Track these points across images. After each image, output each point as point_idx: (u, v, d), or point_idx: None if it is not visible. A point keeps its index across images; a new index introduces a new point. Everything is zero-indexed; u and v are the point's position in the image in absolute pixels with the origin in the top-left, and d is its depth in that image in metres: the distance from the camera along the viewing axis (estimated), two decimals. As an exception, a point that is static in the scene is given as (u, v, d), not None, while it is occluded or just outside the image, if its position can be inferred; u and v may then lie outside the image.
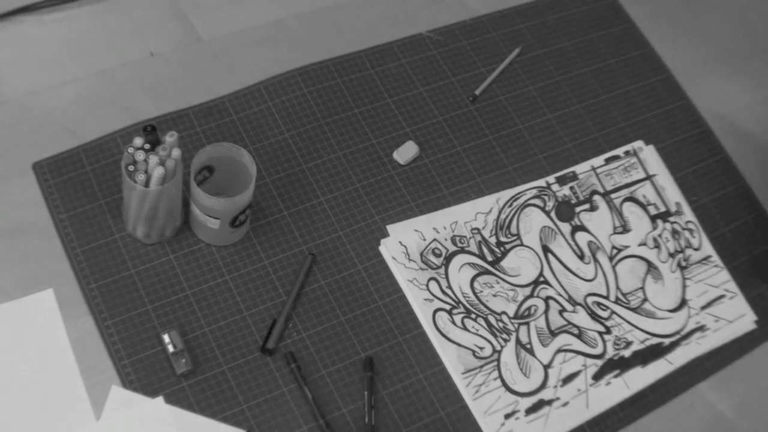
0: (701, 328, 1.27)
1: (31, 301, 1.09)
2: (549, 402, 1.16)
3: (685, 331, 1.26)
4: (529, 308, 1.22)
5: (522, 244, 1.26)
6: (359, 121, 1.30)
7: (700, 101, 1.49)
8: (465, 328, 1.18)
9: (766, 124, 1.51)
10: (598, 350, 1.22)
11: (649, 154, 1.39)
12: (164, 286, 1.13)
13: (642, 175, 1.36)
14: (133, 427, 1.04)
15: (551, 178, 1.32)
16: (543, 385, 1.17)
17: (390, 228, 1.23)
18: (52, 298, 1.10)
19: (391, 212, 1.25)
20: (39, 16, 1.30)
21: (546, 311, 1.23)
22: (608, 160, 1.36)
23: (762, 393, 1.26)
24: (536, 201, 1.30)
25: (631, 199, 1.34)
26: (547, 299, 1.23)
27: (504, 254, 1.25)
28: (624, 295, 1.26)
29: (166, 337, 1.08)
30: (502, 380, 1.16)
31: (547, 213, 1.29)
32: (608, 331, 1.24)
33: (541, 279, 1.25)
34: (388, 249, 1.21)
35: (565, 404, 1.17)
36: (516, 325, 1.20)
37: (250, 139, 1.25)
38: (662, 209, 1.34)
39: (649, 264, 1.30)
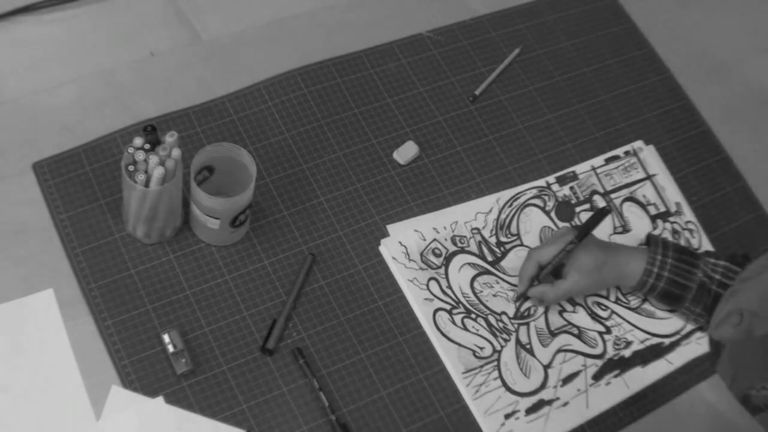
0: (701, 328, 1.27)
1: (31, 301, 1.09)
2: (549, 402, 1.16)
3: (685, 331, 1.26)
4: (528, 308, 1.22)
5: (522, 244, 1.26)
6: (359, 121, 1.30)
7: (700, 101, 1.49)
8: (465, 328, 1.18)
9: (766, 123, 1.51)
10: (598, 350, 1.22)
11: (649, 154, 1.39)
12: (164, 286, 1.13)
13: (642, 175, 1.36)
14: (133, 427, 1.04)
15: (551, 178, 1.32)
16: (543, 385, 1.17)
17: (390, 228, 1.23)
18: (52, 298, 1.10)
19: (391, 212, 1.25)
20: (39, 16, 1.30)
21: (546, 311, 1.23)
22: (608, 160, 1.36)
23: (762, 393, 1.26)
24: (536, 201, 1.30)
25: (631, 199, 1.34)
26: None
27: (504, 254, 1.25)
28: (624, 295, 1.26)
29: (166, 337, 1.08)
30: (502, 380, 1.16)
31: (548, 213, 1.29)
32: (608, 331, 1.24)
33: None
34: (388, 249, 1.21)
35: (565, 404, 1.17)
36: (516, 325, 1.20)
37: (250, 139, 1.25)
38: (662, 209, 1.34)
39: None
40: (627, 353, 1.22)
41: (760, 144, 1.48)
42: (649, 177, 1.37)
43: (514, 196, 1.29)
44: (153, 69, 1.29)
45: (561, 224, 1.29)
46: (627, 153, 1.38)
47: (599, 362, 1.21)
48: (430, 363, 1.16)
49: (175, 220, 1.15)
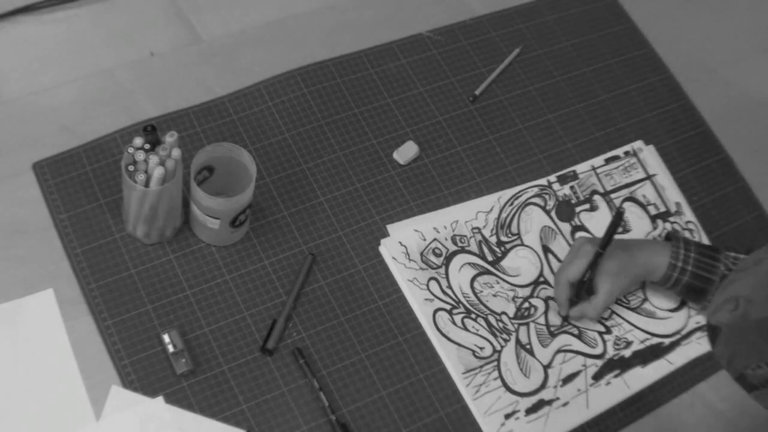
0: (701, 328, 1.27)
1: (31, 301, 1.09)
2: (549, 402, 1.16)
3: (686, 331, 1.26)
4: (528, 308, 1.22)
5: (522, 244, 1.26)
6: (359, 121, 1.30)
7: (700, 101, 1.49)
8: (465, 328, 1.18)
9: (766, 123, 1.51)
10: (598, 350, 1.22)
11: (649, 154, 1.39)
12: (164, 286, 1.13)
13: (642, 175, 1.36)
14: (133, 427, 1.03)
15: (552, 177, 1.32)
16: (543, 385, 1.17)
17: (390, 228, 1.23)
18: (52, 298, 1.10)
19: (391, 212, 1.25)
20: (39, 16, 1.30)
21: (546, 311, 1.23)
22: (608, 160, 1.36)
23: (762, 393, 1.26)
24: (537, 200, 1.30)
25: (631, 199, 1.34)
26: (547, 299, 1.23)
27: (504, 254, 1.25)
28: (624, 295, 1.26)
29: (166, 337, 1.08)
30: (502, 380, 1.16)
31: (548, 212, 1.29)
32: (608, 331, 1.24)
33: (541, 279, 1.25)
34: (388, 249, 1.21)
35: (565, 404, 1.17)
36: (516, 326, 1.20)
37: (250, 139, 1.25)
38: (662, 209, 1.34)
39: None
40: (627, 353, 1.22)
41: (760, 144, 1.48)
42: (649, 177, 1.37)
43: (515, 195, 1.29)
44: (153, 69, 1.29)
45: (561, 224, 1.29)
46: (627, 153, 1.38)
47: (599, 362, 1.21)
48: (430, 363, 1.16)
49: (175, 220, 1.15)
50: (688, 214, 1.35)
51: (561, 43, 1.47)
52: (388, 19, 1.42)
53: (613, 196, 1.33)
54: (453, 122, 1.34)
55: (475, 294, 1.21)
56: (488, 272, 1.23)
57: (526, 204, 1.29)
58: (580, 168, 1.35)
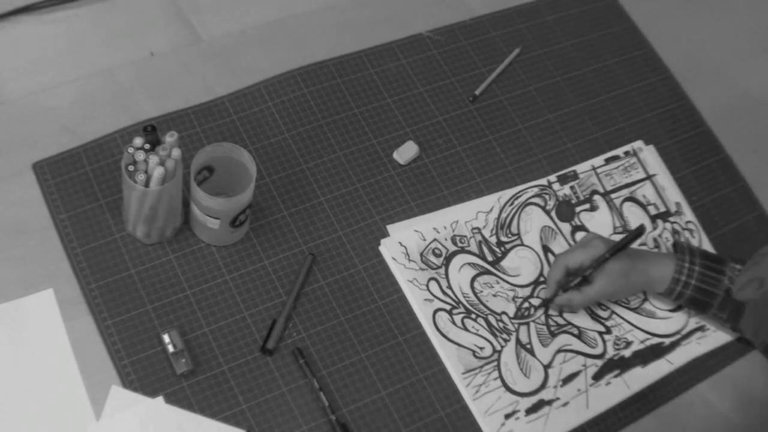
0: (701, 328, 1.27)
1: (31, 301, 1.09)
2: (549, 402, 1.16)
3: (686, 331, 1.26)
4: (529, 308, 1.22)
5: (522, 244, 1.26)
6: (359, 121, 1.30)
7: (700, 101, 1.49)
8: (465, 328, 1.18)
9: (766, 123, 1.51)
10: (598, 350, 1.22)
11: (649, 154, 1.39)
12: (164, 286, 1.13)
13: (642, 175, 1.36)
14: (133, 427, 1.04)
15: (553, 177, 1.32)
16: (543, 385, 1.17)
17: (390, 228, 1.23)
18: (52, 298, 1.10)
19: (391, 212, 1.25)
20: (39, 16, 1.30)
21: (546, 311, 1.22)
22: (608, 160, 1.36)
23: (762, 393, 1.26)
24: (537, 200, 1.30)
25: (631, 199, 1.34)
26: (547, 299, 1.23)
27: (504, 254, 1.25)
28: (617, 299, 1.26)
29: (166, 337, 1.08)
30: (502, 380, 1.16)
31: (548, 212, 1.29)
32: (608, 331, 1.24)
33: (542, 279, 1.25)
34: (388, 249, 1.21)
35: (565, 404, 1.17)
36: (516, 325, 1.20)
37: (250, 139, 1.25)
38: (662, 209, 1.34)
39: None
40: (627, 353, 1.22)
41: (760, 144, 1.48)
42: (649, 177, 1.37)
43: (515, 195, 1.29)
44: (153, 69, 1.29)
45: (561, 224, 1.29)
46: (627, 153, 1.38)
47: (599, 362, 1.21)
48: (430, 363, 1.16)
49: (175, 220, 1.15)
50: (688, 214, 1.35)
51: (561, 43, 1.47)
52: (388, 19, 1.42)
53: (613, 196, 1.33)
54: (453, 122, 1.34)
55: (475, 294, 1.21)
56: (488, 272, 1.23)
57: (526, 204, 1.29)
58: (580, 168, 1.35)
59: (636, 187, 1.35)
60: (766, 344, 0.98)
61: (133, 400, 1.05)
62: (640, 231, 1.19)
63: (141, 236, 1.14)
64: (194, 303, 1.13)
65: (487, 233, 1.26)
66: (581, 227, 1.29)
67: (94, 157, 1.19)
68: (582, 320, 1.23)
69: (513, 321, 1.21)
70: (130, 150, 1.04)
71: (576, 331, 1.22)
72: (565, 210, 1.31)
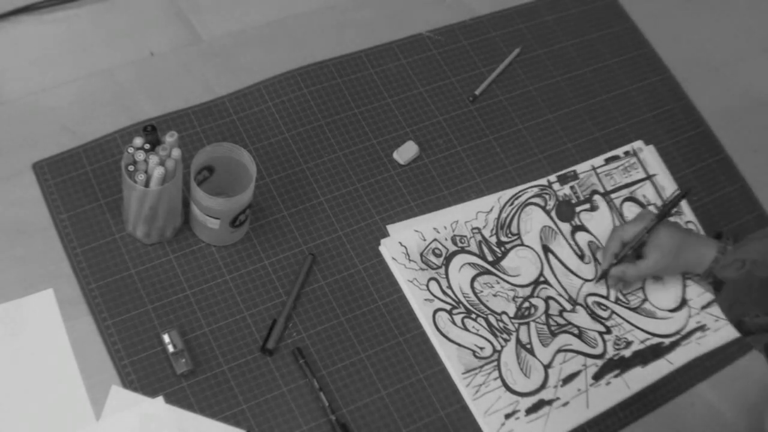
0: (701, 328, 1.27)
1: (31, 301, 1.09)
2: (549, 402, 1.16)
3: (686, 331, 1.26)
4: (529, 308, 1.22)
5: (522, 244, 1.26)
6: (359, 121, 1.30)
7: (700, 101, 1.49)
8: (465, 328, 1.18)
9: (766, 123, 1.51)
10: (599, 350, 1.22)
11: (649, 154, 1.39)
12: (164, 286, 1.13)
13: (642, 175, 1.36)
14: (133, 427, 1.04)
15: (553, 177, 1.32)
16: (543, 385, 1.17)
17: (390, 228, 1.23)
18: (52, 298, 1.10)
19: (391, 212, 1.25)
20: (39, 16, 1.30)
21: (546, 311, 1.23)
22: (608, 160, 1.36)
23: (762, 393, 1.26)
24: (537, 200, 1.30)
25: (631, 198, 1.34)
26: (547, 299, 1.23)
27: (504, 254, 1.25)
28: (624, 295, 1.26)
29: (166, 337, 1.08)
30: (503, 380, 1.16)
31: (548, 212, 1.29)
32: (608, 331, 1.24)
33: (542, 279, 1.25)
34: (388, 249, 1.21)
35: (566, 404, 1.17)
36: (516, 325, 1.20)
37: (250, 139, 1.25)
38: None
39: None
40: (627, 353, 1.22)
41: (760, 144, 1.48)
42: (649, 177, 1.37)
43: (515, 195, 1.29)
44: (153, 69, 1.29)
45: (561, 224, 1.29)
46: (627, 153, 1.38)
47: (599, 362, 1.21)
48: (430, 363, 1.16)
49: (175, 220, 1.15)
50: (688, 214, 1.35)
51: (561, 43, 1.47)
52: (388, 19, 1.42)
53: (613, 196, 1.33)
54: (453, 122, 1.34)
55: (475, 294, 1.21)
56: (488, 272, 1.23)
57: (526, 204, 1.29)
58: (580, 168, 1.35)
59: (636, 187, 1.35)
60: (738, 319, 1.03)
61: (133, 400, 1.05)
62: (686, 191, 1.25)
63: (141, 236, 1.14)
64: (194, 303, 1.13)
65: (487, 233, 1.26)
66: (581, 227, 1.29)
67: (94, 157, 1.19)
68: (582, 320, 1.23)
69: (513, 321, 1.21)
70: (130, 150, 1.04)
71: (576, 331, 1.22)
72: (565, 210, 1.31)
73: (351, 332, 1.15)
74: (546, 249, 1.27)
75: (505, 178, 1.32)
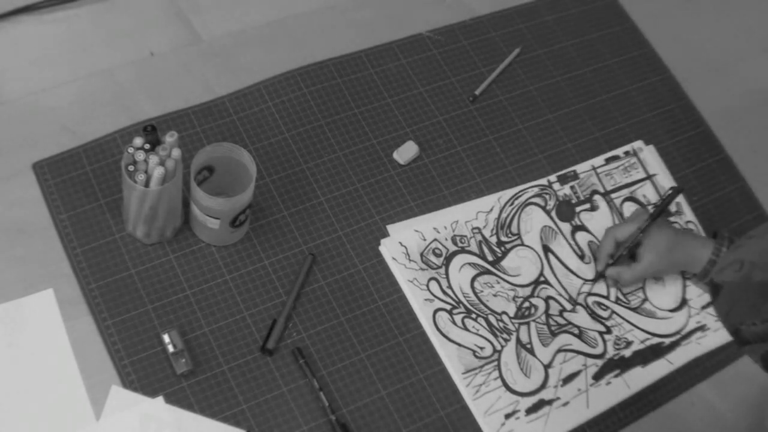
0: (701, 328, 1.27)
1: (31, 301, 1.09)
2: (549, 402, 1.16)
3: (686, 331, 1.26)
4: (529, 308, 1.22)
5: (522, 244, 1.26)
6: (359, 121, 1.30)
7: (700, 101, 1.49)
8: (465, 328, 1.18)
9: (766, 123, 1.51)
10: (599, 350, 1.22)
11: (649, 154, 1.39)
12: (164, 286, 1.13)
13: (642, 175, 1.36)
14: (133, 427, 1.03)
15: (553, 177, 1.32)
16: (543, 385, 1.17)
17: (390, 228, 1.23)
18: (52, 298, 1.10)
19: (391, 212, 1.25)
20: (39, 16, 1.30)
21: (546, 311, 1.23)
22: (608, 160, 1.36)
23: (762, 393, 1.26)
24: (537, 200, 1.30)
25: (631, 198, 1.34)
26: (547, 299, 1.23)
27: (504, 254, 1.25)
28: (624, 294, 1.26)
29: (166, 337, 1.08)
30: (503, 380, 1.16)
31: (548, 212, 1.29)
32: (608, 330, 1.24)
33: (542, 279, 1.25)
34: (388, 249, 1.21)
35: (566, 404, 1.17)
36: (516, 325, 1.20)
37: (250, 139, 1.25)
38: (662, 209, 1.34)
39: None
40: (627, 353, 1.22)
41: (760, 144, 1.48)
42: (649, 177, 1.37)
43: (515, 195, 1.29)
44: (153, 69, 1.29)
45: (561, 224, 1.29)
46: (627, 153, 1.38)
47: (599, 362, 1.21)
48: (430, 363, 1.16)
49: (175, 220, 1.15)
50: (688, 214, 1.35)
51: (561, 43, 1.47)
52: (388, 19, 1.42)
53: (613, 195, 1.33)
54: (453, 122, 1.34)
55: (475, 294, 1.21)
56: (488, 272, 1.23)
57: (526, 204, 1.29)
58: (581, 168, 1.35)
59: (636, 187, 1.35)
60: (735, 328, 0.99)
61: (133, 400, 1.05)
62: (679, 189, 1.25)
63: (141, 236, 1.14)
64: (194, 303, 1.13)
65: (487, 233, 1.26)
66: (581, 227, 1.29)
67: (94, 157, 1.19)
68: (582, 320, 1.23)
69: (513, 321, 1.21)
70: (130, 150, 1.04)
71: (576, 331, 1.22)
72: (566, 210, 1.31)
73: (351, 332, 1.15)
74: (546, 249, 1.27)
75: (505, 178, 1.32)
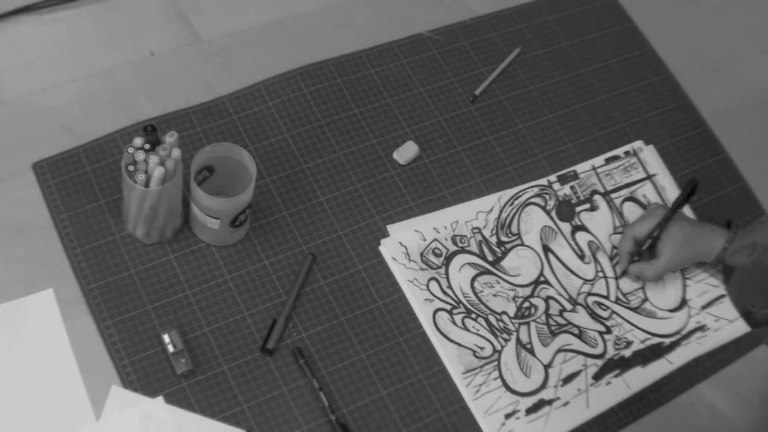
0: (701, 328, 1.27)
1: (31, 301, 1.09)
2: (549, 402, 1.16)
3: (686, 331, 1.26)
4: (529, 308, 1.22)
5: (522, 244, 1.26)
6: (359, 121, 1.30)
7: (700, 101, 1.49)
8: (465, 328, 1.18)
9: (766, 123, 1.51)
10: (599, 350, 1.22)
11: (649, 154, 1.39)
12: (164, 286, 1.13)
13: (642, 175, 1.36)
14: (133, 427, 1.03)
15: (553, 177, 1.32)
16: (543, 385, 1.17)
17: (390, 228, 1.23)
18: (52, 298, 1.10)
19: (391, 212, 1.25)
20: (39, 16, 1.30)
21: (546, 311, 1.23)
22: (608, 160, 1.36)
23: (762, 393, 1.26)
24: (537, 200, 1.30)
25: (631, 198, 1.34)
26: (547, 299, 1.23)
27: (504, 254, 1.25)
28: (624, 294, 1.26)
29: (166, 337, 1.08)
30: (503, 380, 1.16)
31: (548, 212, 1.29)
32: (608, 330, 1.24)
33: (542, 279, 1.25)
34: (388, 249, 1.21)
35: (566, 404, 1.17)
36: (516, 325, 1.20)
37: (250, 139, 1.25)
38: (662, 209, 1.34)
39: (650, 264, 1.30)
40: (627, 353, 1.22)
41: (760, 144, 1.48)
42: (649, 177, 1.37)
43: (515, 195, 1.29)
44: (153, 69, 1.29)
45: (561, 224, 1.29)
46: (627, 153, 1.38)
47: (599, 362, 1.21)
48: (430, 363, 1.16)
49: (175, 220, 1.15)
50: (689, 214, 1.35)
51: (561, 43, 1.47)
52: (388, 19, 1.42)
53: (613, 195, 1.33)
54: (453, 122, 1.34)
55: (475, 294, 1.21)
56: (488, 272, 1.23)
57: (526, 204, 1.29)
58: (581, 168, 1.35)
59: (636, 187, 1.35)
60: (746, 310, 1.01)
61: (133, 400, 1.05)
62: (695, 183, 1.26)
63: (141, 236, 1.14)
64: (194, 303, 1.13)
65: (487, 233, 1.26)
66: (581, 227, 1.29)
67: (94, 157, 1.19)
68: (582, 320, 1.23)
69: (513, 321, 1.21)
70: (130, 150, 1.04)
71: (576, 331, 1.22)
72: (566, 210, 1.31)
73: (351, 332, 1.15)
74: (546, 249, 1.27)
75: (505, 178, 1.32)
